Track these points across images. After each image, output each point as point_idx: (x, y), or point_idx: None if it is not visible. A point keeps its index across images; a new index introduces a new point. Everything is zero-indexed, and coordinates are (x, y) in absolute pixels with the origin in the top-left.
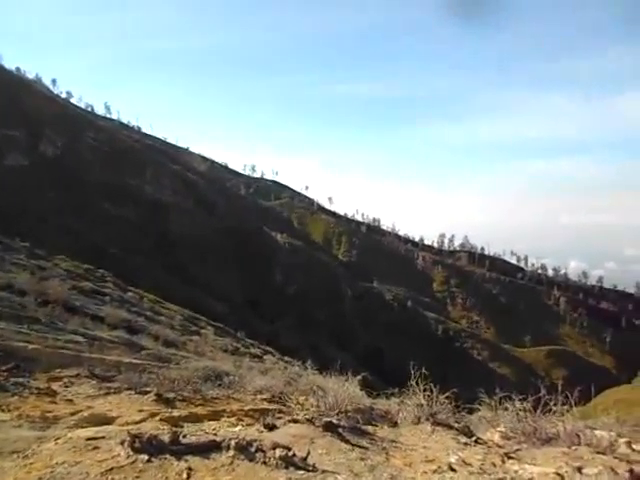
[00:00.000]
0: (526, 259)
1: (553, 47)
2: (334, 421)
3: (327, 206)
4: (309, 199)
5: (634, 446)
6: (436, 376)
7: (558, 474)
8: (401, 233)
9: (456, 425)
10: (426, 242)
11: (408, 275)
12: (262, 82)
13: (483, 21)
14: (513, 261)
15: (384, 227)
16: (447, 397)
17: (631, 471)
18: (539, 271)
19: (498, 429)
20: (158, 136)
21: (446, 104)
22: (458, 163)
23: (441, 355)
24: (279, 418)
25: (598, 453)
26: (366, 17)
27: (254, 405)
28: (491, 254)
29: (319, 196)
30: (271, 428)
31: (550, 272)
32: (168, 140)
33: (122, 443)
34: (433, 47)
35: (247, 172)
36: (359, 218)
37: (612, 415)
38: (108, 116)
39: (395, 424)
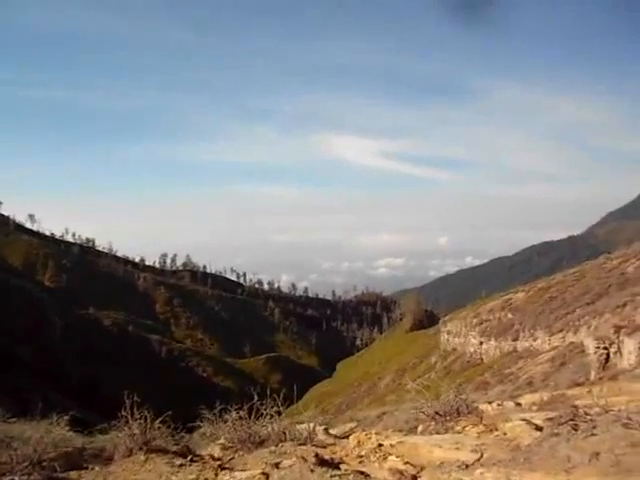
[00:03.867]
0: (244, 275)
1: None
2: (17, 479)
3: (28, 225)
4: (3, 217)
5: (331, 431)
6: (161, 400)
7: (263, 473)
8: (119, 254)
9: (174, 448)
10: (147, 263)
11: (128, 298)
12: None
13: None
14: (233, 278)
15: (99, 248)
16: (164, 421)
17: (316, 455)
18: (256, 286)
19: (218, 442)
20: None
21: (160, 122)
22: (171, 182)
23: (166, 377)
24: None
25: (300, 445)
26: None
27: None
28: (213, 272)
29: (17, 213)
30: None
31: (266, 286)
32: None
33: None
34: (155, 61)
35: None
36: (69, 238)
37: (313, 408)
38: None
39: (111, 461)
